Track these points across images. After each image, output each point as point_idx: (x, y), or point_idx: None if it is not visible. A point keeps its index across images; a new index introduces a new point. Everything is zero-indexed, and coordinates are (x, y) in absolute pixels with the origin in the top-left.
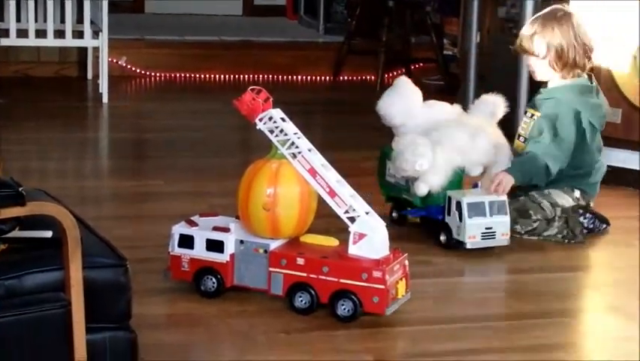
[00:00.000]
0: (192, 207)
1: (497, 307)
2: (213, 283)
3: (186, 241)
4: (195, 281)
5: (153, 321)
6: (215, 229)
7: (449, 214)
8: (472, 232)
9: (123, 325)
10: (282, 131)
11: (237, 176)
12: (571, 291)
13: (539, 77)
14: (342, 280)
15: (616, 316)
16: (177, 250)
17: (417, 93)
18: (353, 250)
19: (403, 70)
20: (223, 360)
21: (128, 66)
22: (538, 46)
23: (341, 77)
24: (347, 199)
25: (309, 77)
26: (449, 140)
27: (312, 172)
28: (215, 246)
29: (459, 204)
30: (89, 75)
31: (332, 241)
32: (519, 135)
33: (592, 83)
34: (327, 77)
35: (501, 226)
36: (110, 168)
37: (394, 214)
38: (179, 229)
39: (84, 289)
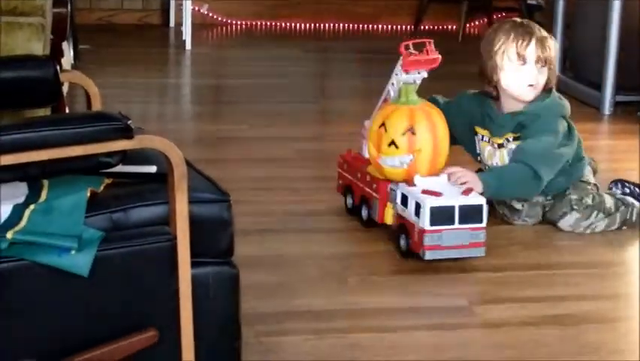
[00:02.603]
0: (277, 152)
1: (589, 255)
2: None
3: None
4: None
5: (244, 261)
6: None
7: None
8: None
9: (226, 260)
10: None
11: (319, 121)
12: None
13: (536, 93)
14: None
15: None
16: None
17: None
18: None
19: (485, 19)
20: (313, 301)
21: (210, 14)
22: (554, 52)
23: (422, 27)
24: None
25: (390, 27)
26: None
27: None
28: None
29: None
30: (172, 23)
31: None
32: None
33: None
34: (409, 26)
35: None
36: (194, 112)
37: None
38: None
39: (188, 224)
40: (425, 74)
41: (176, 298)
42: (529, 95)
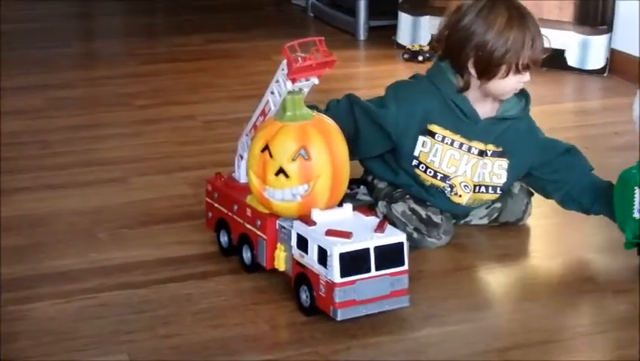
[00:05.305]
0: (30, 102)
1: None
2: None
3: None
4: None
5: None
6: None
7: None
8: None
9: None
10: None
11: (75, 66)
12: None
13: None
14: None
15: None
16: None
17: None
18: None
19: None
20: (63, 262)
21: None
22: None
23: None
24: None
25: None
26: None
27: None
28: None
29: None
30: None
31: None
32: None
33: None
34: None
35: None
36: None
37: None
38: None
39: None
40: (316, 81)
41: None
42: (511, 94)
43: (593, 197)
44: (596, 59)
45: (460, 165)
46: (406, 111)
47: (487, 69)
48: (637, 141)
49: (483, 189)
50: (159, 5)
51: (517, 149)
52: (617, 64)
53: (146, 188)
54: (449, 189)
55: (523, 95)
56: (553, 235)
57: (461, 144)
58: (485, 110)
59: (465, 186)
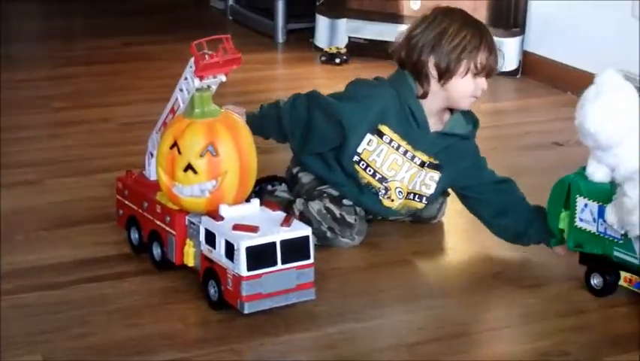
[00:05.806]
0: None
1: None
2: None
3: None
4: None
5: None
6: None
7: None
8: None
9: None
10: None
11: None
12: None
13: None
14: None
15: None
16: None
17: (635, 94)
18: None
19: None
20: None
21: None
22: None
23: None
24: None
25: None
26: None
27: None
28: None
29: None
30: None
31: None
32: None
33: None
34: None
35: None
36: None
37: (595, 281)
38: None
39: None
40: (224, 78)
41: None
42: (469, 104)
43: (527, 220)
44: (509, 61)
45: (400, 170)
46: (363, 107)
47: (447, 68)
48: (546, 141)
49: (412, 196)
50: (76, 8)
51: (453, 166)
52: (529, 65)
53: (63, 190)
54: (383, 191)
55: (472, 119)
56: (466, 232)
57: (406, 151)
58: (436, 124)
59: (399, 191)
